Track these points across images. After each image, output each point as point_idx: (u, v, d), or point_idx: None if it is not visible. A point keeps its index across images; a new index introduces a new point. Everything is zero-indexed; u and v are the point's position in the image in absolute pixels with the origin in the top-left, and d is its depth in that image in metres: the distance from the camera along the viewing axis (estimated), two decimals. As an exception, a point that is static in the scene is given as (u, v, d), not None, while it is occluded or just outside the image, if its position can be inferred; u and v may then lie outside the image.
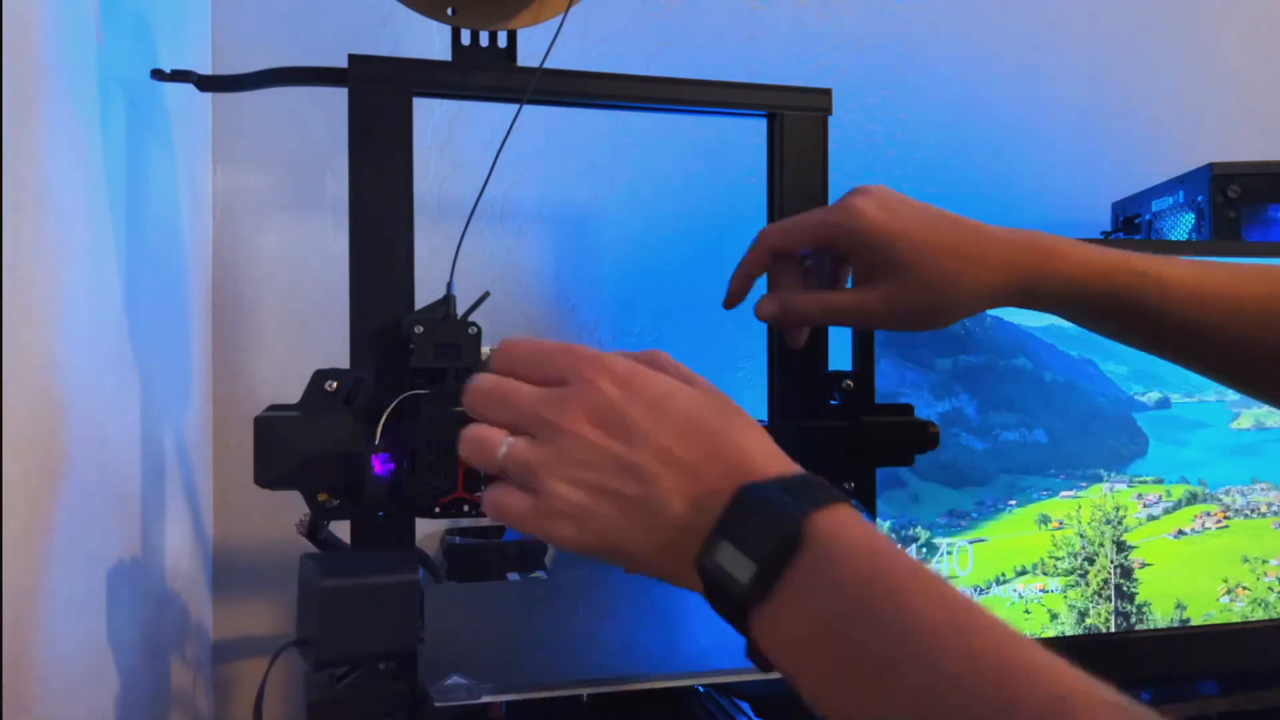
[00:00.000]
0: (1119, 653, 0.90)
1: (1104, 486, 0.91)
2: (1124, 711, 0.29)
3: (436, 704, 0.51)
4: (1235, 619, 0.94)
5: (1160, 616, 0.92)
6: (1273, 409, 0.81)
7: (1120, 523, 0.92)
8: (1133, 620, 0.91)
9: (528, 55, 0.65)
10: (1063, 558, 0.90)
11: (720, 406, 0.42)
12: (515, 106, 0.61)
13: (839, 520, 0.36)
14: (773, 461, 0.40)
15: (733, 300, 0.64)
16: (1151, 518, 0.92)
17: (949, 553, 0.87)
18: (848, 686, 0.33)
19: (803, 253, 0.62)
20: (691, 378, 0.44)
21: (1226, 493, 0.94)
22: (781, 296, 0.61)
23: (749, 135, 0.73)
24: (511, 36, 0.66)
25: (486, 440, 0.42)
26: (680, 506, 0.39)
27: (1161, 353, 0.61)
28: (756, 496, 0.37)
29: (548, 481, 0.40)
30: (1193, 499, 0.93)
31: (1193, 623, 0.93)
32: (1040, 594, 0.89)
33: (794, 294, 0.61)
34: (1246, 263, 0.59)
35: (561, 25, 0.62)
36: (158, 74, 0.67)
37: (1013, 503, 0.89)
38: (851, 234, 0.57)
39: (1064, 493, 0.90)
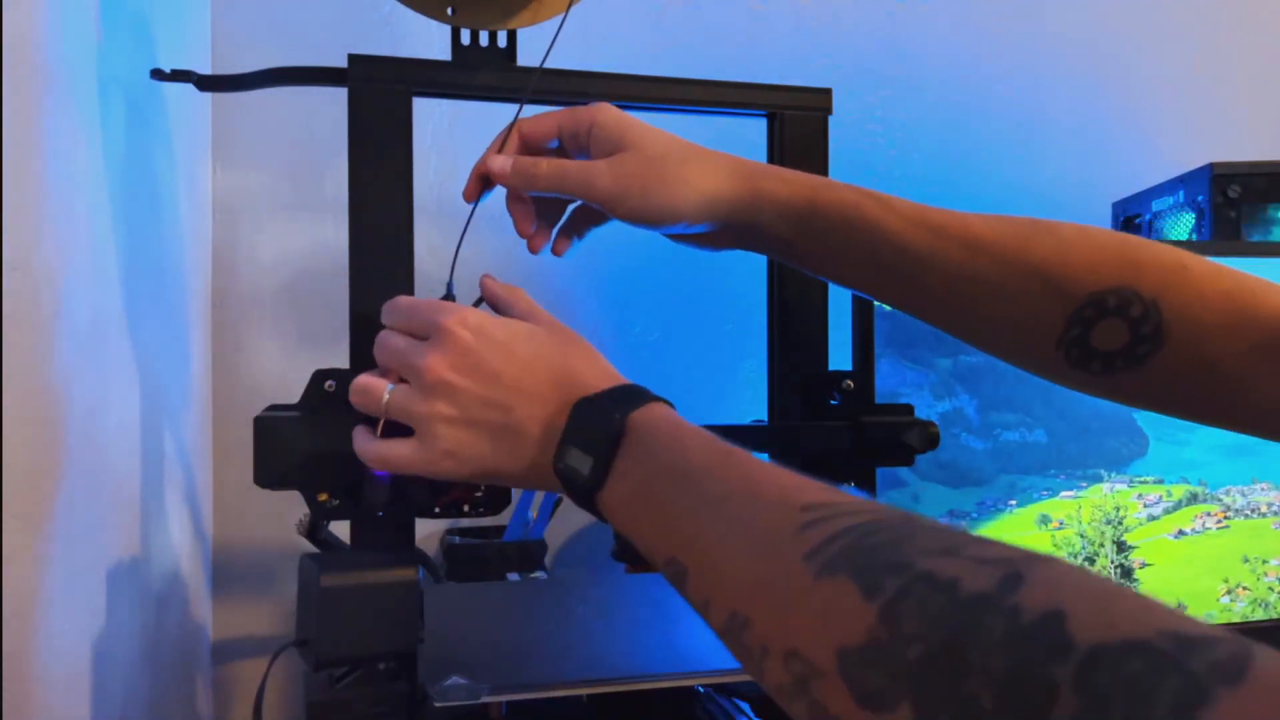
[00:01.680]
0: (1119, 653, 0.90)
1: (1104, 486, 0.91)
2: (841, 504, 0.35)
3: (436, 704, 0.51)
4: (1236, 619, 0.93)
5: (1160, 616, 0.92)
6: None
7: (1120, 523, 0.92)
8: (1133, 620, 0.91)
9: (528, 55, 0.65)
10: (1063, 558, 0.90)
11: (559, 339, 0.50)
12: (515, 106, 0.61)
13: (652, 414, 0.45)
14: (603, 379, 0.48)
15: (473, 188, 0.60)
16: (1152, 518, 0.92)
17: (949, 553, 0.87)
18: (661, 527, 0.41)
19: (552, 145, 0.60)
20: (536, 314, 0.53)
21: (1227, 493, 0.94)
22: (515, 156, 0.58)
23: (749, 135, 0.73)
24: (511, 36, 0.66)
25: (371, 388, 0.50)
26: (535, 428, 0.47)
27: (890, 289, 0.55)
28: (589, 408, 0.46)
29: (426, 425, 0.48)
30: (1193, 499, 0.93)
31: (1193, 623, 0.93)
32: (1040, 594, 0.89)
33: (526, 156, 0.58)
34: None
35: (561, 25, 0.62)
36: (157, 74, 0.67)
37: (1013, 503, 0.89)
38: (594, 117, 0.57)
39: (1064, 493, 0.90)
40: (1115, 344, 0.50)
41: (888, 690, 0.28)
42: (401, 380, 0.50)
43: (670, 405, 0.47)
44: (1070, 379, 0.53)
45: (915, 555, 0.30)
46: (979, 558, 0.29)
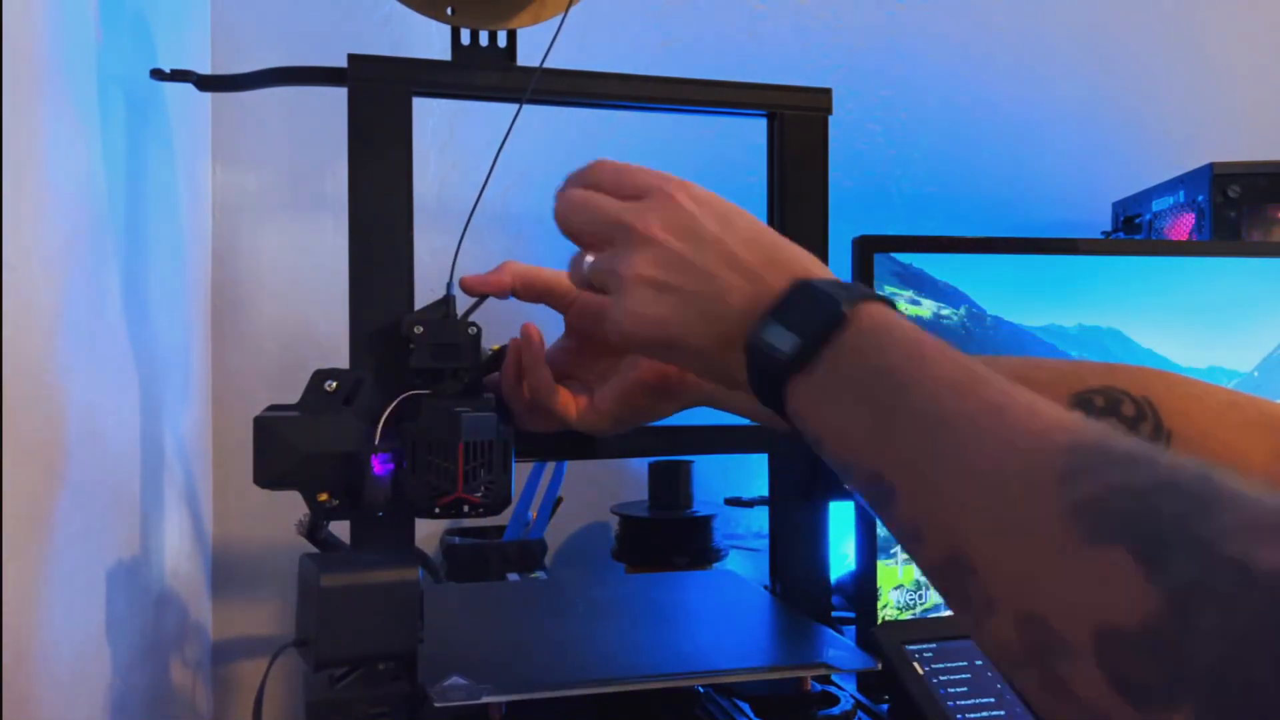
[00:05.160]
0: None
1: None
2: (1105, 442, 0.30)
3: (436, 704, 0.51)
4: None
5: (1160, 616, 0.92)
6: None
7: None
8: (1133, 620, 0.91)
9: (528, 55, 0.65)
10: None
11: (778, 235, 0.46)
12: (515, 106, 0.61)
13: (882, 312, 0.40)
14: (826, 273, 0.44)
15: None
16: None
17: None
18: (869, 436, 0.37)
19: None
20: None
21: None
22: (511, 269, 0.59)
23: (749, 135, 0.73)
24: (511, 36, 0.66)
25: (576, 260, 0.50)
26: (738, 300, 0.43)
27: None
28: (810, 289, 0.41)
29: (624, 278, 0.45)
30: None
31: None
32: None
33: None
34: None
35: (561, 25, 0.62)
36: (157, 74, 0.67)
37: (1013, 503, 0.89)
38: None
39: (1064, 493, 0.90)
40: None
41: (1163, 688, 0.24)
42: (597, 239, 0.48)
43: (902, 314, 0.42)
44: None
45: (1218, 534, 0.24)
46: None
